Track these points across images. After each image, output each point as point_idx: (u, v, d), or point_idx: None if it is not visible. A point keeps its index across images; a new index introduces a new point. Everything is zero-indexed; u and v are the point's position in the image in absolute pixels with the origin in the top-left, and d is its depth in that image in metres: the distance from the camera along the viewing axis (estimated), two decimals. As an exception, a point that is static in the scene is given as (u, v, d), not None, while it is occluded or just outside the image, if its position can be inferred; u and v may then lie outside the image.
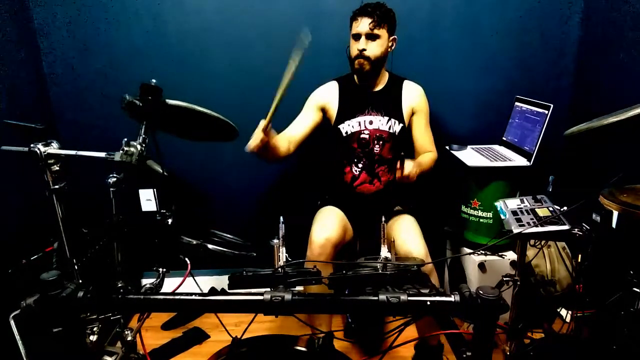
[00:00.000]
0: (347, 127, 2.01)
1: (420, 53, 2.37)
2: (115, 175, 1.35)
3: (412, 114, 2.06)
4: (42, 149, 1.35)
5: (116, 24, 2.27)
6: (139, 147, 1.36)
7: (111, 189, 1.35)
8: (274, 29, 2.29)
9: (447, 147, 2.34)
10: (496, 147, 2.40)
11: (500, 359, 1.91)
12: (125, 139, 1.35)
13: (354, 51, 1.92)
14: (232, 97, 2.32)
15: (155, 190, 1.57)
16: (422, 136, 2.08)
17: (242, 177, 2.51)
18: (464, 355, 1.04)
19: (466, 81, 2.43)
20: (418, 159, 2.02)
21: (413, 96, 2.05)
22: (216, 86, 2.35)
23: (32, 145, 1.35)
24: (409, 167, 1.78)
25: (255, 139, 1.62)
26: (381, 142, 2.01)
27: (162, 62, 2.31)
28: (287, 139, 1.92)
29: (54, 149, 1.38)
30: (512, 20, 2.36)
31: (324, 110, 2.04)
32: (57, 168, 1.39)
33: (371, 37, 1.88)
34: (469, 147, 2.39)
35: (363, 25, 1.87)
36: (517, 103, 2.35)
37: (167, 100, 1.43)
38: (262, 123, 1.61)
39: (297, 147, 1.97)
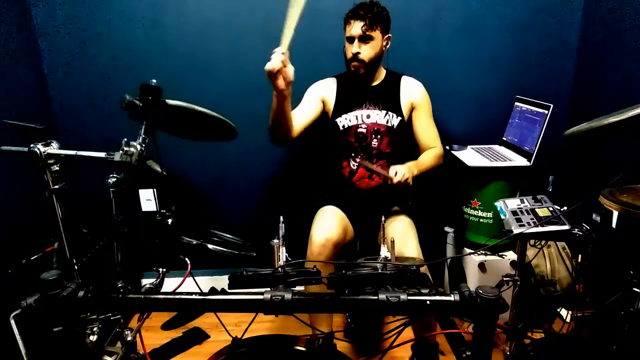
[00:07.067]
0: (344, 120, 2.01)
1: (420, 53, 2.37)
2: (115, 175, 1.34)
3: (412, 109, 2.05)
4: (42, 149, 1.35)
5: (116, 23, 2.27)
6: (139, 147, 1.36)
7: (111, 189, 1.34)
8: (273, 28, 2.28)
9: (447, 147, 2.34)
10: (496, 147, 2.40)
11: (500, 359, 1.92)
12: (125, 139, 1.35)
13: (348, 54, 1.93)
14: (231, 97, 2.32)
15: (155, 190, 1.57)
16: (425, 132, 2.07)
17: (242, 177, 2.51)
18: (464, 355, 1.04)
19: (466, 81, 2.43)
20: (418, 159, 2.01)
21: (412, 91, 2.05)
22: (216, 86, 2.35)
23: (32, 145, 1.35)
24: (399, 172, 1.78)
25: (276, 60, 1.54)
26: (379, 136, 2.01)
27: (162, 62, 2.31)
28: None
29: (54, 149, 1.37)
30: (512, 20, 2.36)
31: (323, 103, 2.04)
32: (57, 168, 1.39)
33: (364, 39, 1.88)
34: (469, 147, 2.39)
35: (356, 28, 1.87)
36: (517, 103, 2.35)
37: (167, 100, 1.43)
38: (279, 49, 1.53)
39: (299, 136, 1.92)
